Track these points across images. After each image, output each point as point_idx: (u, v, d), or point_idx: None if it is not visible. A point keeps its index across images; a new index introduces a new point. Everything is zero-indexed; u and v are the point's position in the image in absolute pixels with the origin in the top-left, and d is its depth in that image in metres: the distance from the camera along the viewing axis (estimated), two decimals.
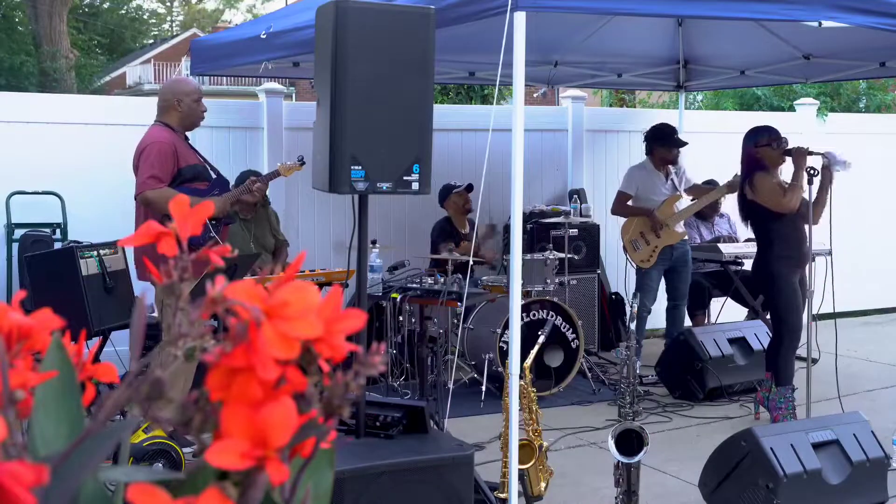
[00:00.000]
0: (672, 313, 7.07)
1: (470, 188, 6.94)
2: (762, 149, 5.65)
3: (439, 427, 4.40)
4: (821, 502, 4.08)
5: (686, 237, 7.02)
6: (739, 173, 5.88)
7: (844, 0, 4.41)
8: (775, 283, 5.63)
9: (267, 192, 6.32)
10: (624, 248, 7.00)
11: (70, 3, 18.32)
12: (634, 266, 6.98)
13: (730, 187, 6.98)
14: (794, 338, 5.66)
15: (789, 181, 5.57)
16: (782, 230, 5.61)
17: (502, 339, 6.06)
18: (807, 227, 5.51)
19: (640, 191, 6.89)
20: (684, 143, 7.00)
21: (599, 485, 4.59)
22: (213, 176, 5.03)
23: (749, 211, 5.73)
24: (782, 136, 5.71)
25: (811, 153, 5.46)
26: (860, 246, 8.88)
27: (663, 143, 6.86)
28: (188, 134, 5.11)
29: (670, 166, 6.93)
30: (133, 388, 0.68)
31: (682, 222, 6.97)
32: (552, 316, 6.26)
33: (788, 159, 5.62)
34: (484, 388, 6.13)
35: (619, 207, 7.01)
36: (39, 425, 0.73)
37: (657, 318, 7.40)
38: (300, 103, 10.80)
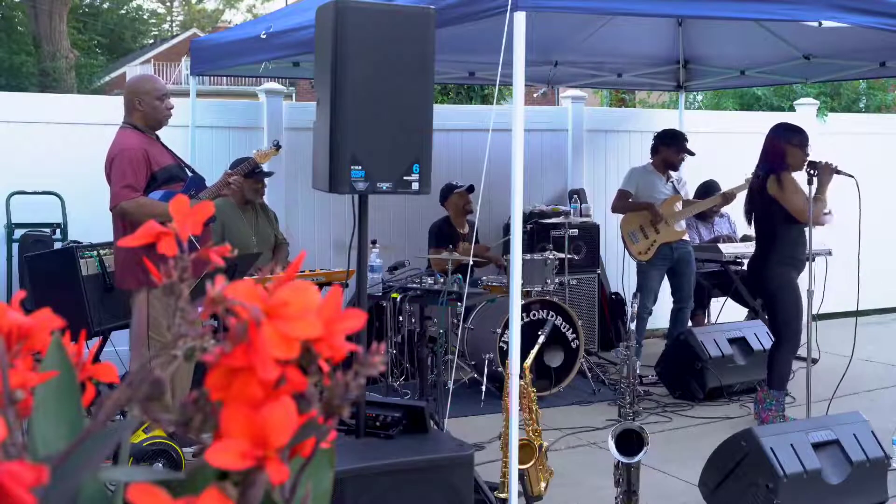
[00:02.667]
0: (676, 315, 7.05)
1: (471, 189, 6.94)
2: (793, 149, 5.52)
3: (439, 427, 4.40)
4: (821, 502, 4.08)
5: (686, 236, 7.02)
6: (758, 165, 5.65)
7: (844, 0, 4.41)
8: (782, 287, 5.53)
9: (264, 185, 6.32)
10: (623, 239, 7.01)
11: (70, 3, 18.31)
12: (634, 260, 6.98)
13: (725, 198, 7.01)
14: (797, 341, 5.63)
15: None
16: (793, 234, 5.50)
17: (502, 339, 6.06)
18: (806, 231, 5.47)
19: (640, 189, 6.90)
20: (692, 153, 6.99)
21: (599, 485, 4.59)
22: (189, 174, 4.88)
23: (764, 207, 5.55)
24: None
25: (839, 172, 5.33)
26: (860, 246, 8.87)
27: (671, 144, 6.86)
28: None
29: (671, 171, 6.95)
30: (133, 388, 0.68)
31: (682, 221, 6.97)
32: (552, 316, 6.26)
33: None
34: (484, 388, 6.12)
35: (620, 204, 7.01)
36: (39, 425, 0.73)
37: (658, 318, 7.40)
38: (300, 103, 10.79)
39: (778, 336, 5.65)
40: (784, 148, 5.54)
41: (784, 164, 5.51)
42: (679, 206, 6.92)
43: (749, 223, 5.81)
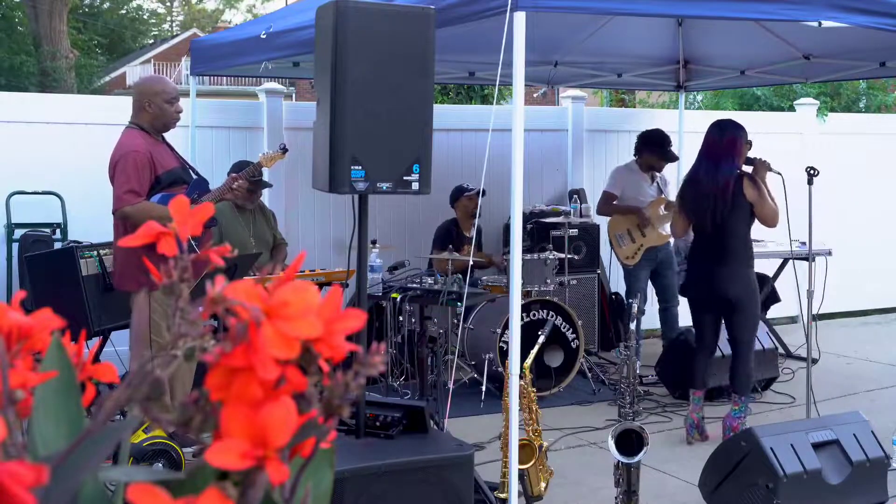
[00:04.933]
0: (664, 315, 7.07)
1: (482, 193, 6.91)
2: (746, 146, 5.36)
3: (439, 427, 4.40)
4: (821, 502, 4.08)
5: (671, 240, 6.99)
6: (721, 165, 5.24)
7: (844, 0, 4.41)
8: (755, 290, 5.38)
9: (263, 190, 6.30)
10: (609, 241, 7.01)
11: (70, 3, 18.32)
12: (621, 264, 6.99)
13: None
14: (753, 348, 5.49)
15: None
16: (751, 236, 5.34)
17: (502, 339, 6.06)
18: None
19: (625, 191, 6.90)
20: (675, 159, 6.97)
21: (599, 485, 4.59)
22: (193, 177, 4.87)
23: (735, 210, 5.21)
24: None
25: (770, 169, 5.22)
26: (860, 246, 8.89)
27: (653, 151, 6.85)
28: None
29: (655, 172, 6.95)
30: (133, 388, 0.68)
31: (667, 224, 6.97)
32: (552, 316, 6.26)
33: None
34: (484, 388, 6.12)
35: (605, 207, 6.99)
36: (39, 425, 0.73)
37: (653, 318, 7.40)
38: (300, 103, 10.80)
39: (745, 342, 5.34)
40: (741, 146, 5.31)
41: (740, 162, 5.29)
42: (664, 208, 6.90)
43: (706, 226, 5.29)
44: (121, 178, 4.61)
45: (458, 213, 7.08)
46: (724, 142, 5.30)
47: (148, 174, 4.64)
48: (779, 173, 5.14)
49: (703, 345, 5.53)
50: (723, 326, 5.49)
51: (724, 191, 5.21)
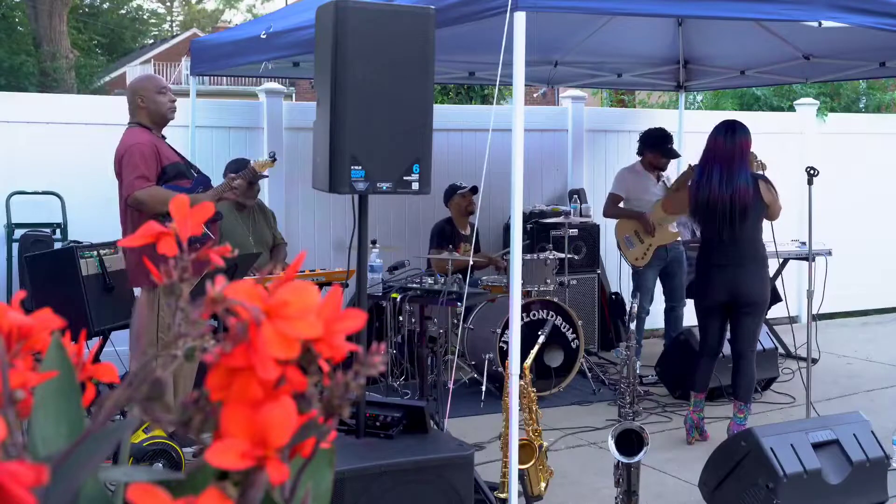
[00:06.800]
0: (670, 315, 7.05)
1: (474, 191, 6.94)
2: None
3: (439, 427, 4.40)
4: (821, 502, 4.08)
5: (680, 238, 6.99)
6: (739, 171, 5.17)
7: (844, 0, 4.42)
8: (769, 292, 5.40)
9: (259, 189, 6.29)
10: (618, 245, 7.01)
11: (70, 3, 18.32)
12: (630, 266, 6.98)
13: None
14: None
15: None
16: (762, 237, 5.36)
17: (502, 339, 6.06)
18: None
19: (630, 192, 6.89)
20: (677, 155, 6.98)
21: (599, 485, 4.59)
22: (195, 174, 4.92)
23: (755, 214, 5.20)
24: None
25: (758, 164, 5.28)
26: (860, 246, 8.89)
27: (655, 149, 6.84)
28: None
29: (660, 171, 6.95)
30: (133, 388, 0.68)
31: (675, 222, 6.96)
32: (552, 316, 6.26)
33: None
34: (484, 388, 6.12)
35: (611, 209, 6.99)
36: (39, 425, 0.73)
37: (657, 318, 7.41)
38: (300, 103, 10.80)
39: (752, 348, 5.33)
40: (750, 146, 5.26)
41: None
42: None
43: (726, 232, 5.20)
44: (129, 168, 4.65)
45: (453, 212, 7.09)
46: (737, 145, 5.22)
47: (155, 164, 4.68)
48: (763, 168, 5.23)
49: (709, 349, 5.49)
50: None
51: (744, 196, 5.15)
